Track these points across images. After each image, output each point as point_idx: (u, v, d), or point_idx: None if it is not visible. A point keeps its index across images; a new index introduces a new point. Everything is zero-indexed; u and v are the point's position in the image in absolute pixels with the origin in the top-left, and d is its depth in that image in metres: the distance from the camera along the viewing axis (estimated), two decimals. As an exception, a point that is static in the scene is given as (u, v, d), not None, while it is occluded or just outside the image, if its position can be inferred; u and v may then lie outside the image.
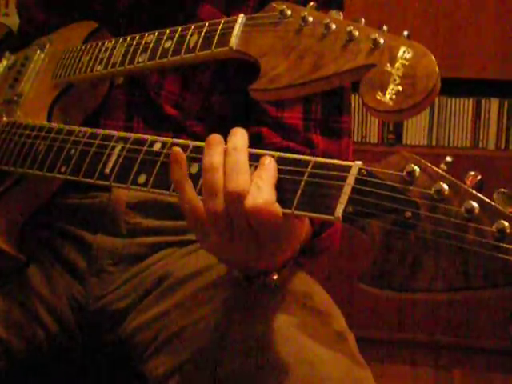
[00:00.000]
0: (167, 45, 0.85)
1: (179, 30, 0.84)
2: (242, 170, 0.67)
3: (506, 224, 0.54)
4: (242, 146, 0.69)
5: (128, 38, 0.90)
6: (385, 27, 0.70)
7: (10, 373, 0.96)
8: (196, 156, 0.72)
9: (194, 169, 0.72)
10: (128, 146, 0.78)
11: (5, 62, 1.08)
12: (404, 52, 0.67)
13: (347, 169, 0.63)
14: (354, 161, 0.64)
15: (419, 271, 0.56)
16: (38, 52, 1.02)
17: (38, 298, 0.99)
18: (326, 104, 0.99)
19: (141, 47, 0.87)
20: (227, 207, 0.67)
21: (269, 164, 0.67)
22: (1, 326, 0.95)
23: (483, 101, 2.30)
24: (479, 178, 0.58)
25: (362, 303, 2.27)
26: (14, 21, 1.17)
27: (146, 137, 0.77)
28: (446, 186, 0.58)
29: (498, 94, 2.30)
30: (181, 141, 0.75)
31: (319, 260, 0.98)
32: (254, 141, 0.73)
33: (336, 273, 2.26)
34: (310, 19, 0.73)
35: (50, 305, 0.99)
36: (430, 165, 0.60)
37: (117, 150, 0.78)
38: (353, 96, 1.05)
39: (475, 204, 0.56)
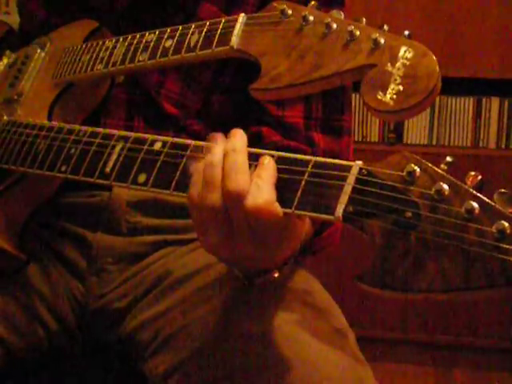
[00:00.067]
0: (168, 44, 0.85)
1: (180, 29, 0.84)
2: (241, 169, 0.67)
3: (506, 224, 0.54)
4: (241, 147, 0.68)
5: (128, 37, 0.90)
6: (385, 27, 0.70)
7: (10, 372, 0.96)
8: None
9: None
10: (128, 145, 0.78)
11: (5, 61, 1.08)
12: (405, 52, 0.67)
13: (348, 168, 0.63)
14: (354, 160, 0.64)
15: (419, 271, 0.56)
16: (39, 51, 1.02)
17: (38, 297, 0.99)
18: (326, 103, 0.99)
19: (141, 46, 0.87)
20: (226, 206, 0.67)
21: (268, 163, 0.67)
22: (1, 325, 0.95)
23: (484, 100, 2.30)
24: (479, 178, 0.58)
25: (363, 303, 2.27)
26: (14, 19, 1.17)
27: (146, 136, 0.77)
28: (446, 187, 0.58)
29: (498, 93, 2.30)
30: (181, 140, 0.75)
31: (319, 260, 0.97)
32: (255, 140, 0.73)
33: (336, 273, 2.27)
34: (311, 18, 0.73)
35: (50, 304, 0.99)
36: (430, 165, 0.60)
37: (117, 149, 0.78)
38: (353, 95, 1.05)
39: (475, 204, 0.56)
